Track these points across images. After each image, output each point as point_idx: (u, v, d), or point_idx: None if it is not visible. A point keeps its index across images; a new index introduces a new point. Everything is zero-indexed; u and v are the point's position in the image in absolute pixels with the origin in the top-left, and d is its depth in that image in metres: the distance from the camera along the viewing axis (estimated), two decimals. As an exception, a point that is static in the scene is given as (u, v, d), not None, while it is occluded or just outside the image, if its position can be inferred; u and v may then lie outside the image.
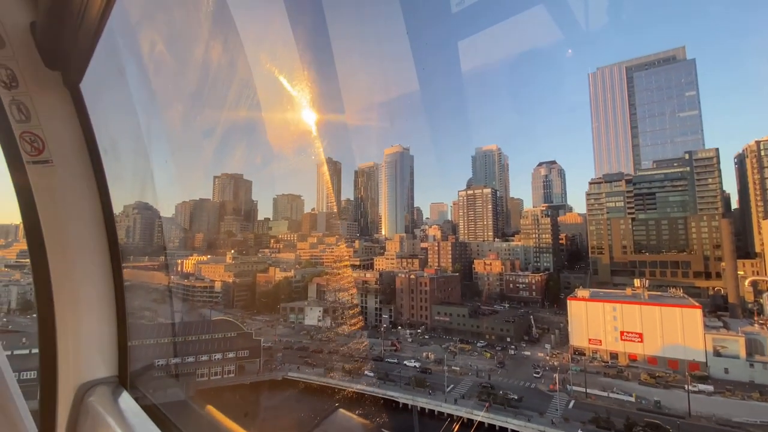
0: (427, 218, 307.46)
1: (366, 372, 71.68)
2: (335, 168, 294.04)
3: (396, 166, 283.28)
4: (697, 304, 76.18)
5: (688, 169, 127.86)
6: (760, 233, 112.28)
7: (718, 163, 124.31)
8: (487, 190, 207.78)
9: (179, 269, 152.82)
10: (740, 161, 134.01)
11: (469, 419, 56.36)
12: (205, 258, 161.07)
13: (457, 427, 55.47)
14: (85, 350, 2.99)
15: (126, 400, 2.87)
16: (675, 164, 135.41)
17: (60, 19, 2.27)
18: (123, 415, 2.61)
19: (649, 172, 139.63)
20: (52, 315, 2.80)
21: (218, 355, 70.02)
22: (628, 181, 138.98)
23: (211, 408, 3.11)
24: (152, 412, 2.80)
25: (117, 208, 3.22)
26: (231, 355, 70.54)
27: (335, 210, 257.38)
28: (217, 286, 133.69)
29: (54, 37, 2.39)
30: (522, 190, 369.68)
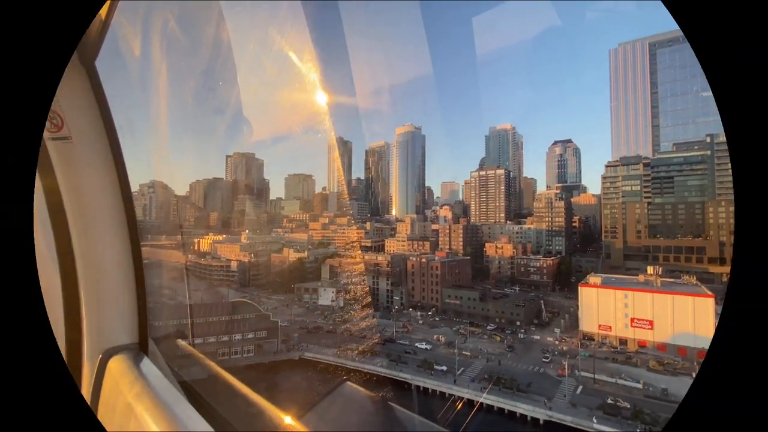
0: (438, 197, 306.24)
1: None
2: (346, 147, 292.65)
3: (407, 146, 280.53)
4: (710, 293, 75.97)
5: (708, 152, 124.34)
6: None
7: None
8: (500, 171, 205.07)
9: (196, 248, 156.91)
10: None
11: (479, 402, 58.59)
12: (220, 237, 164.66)
13: (460, 405, 57.79)
14: (108, 318, 3.16)
15: (148, 365, 3.01)
16: (696, 147, 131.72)
17: None
18: (146, 379, 2.74)
19: (668, 155, 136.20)
20: (75, 285, 2.97)
21: (238, 336, 73.15)
22: (645, 165, 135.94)
23: (233, 380, 3.14)
24: (172, 378, 3.02)
25: (133, 186, 3.43)
26: (250, 335, 73.62)
27: (346, 191, 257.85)
28: (233, 265, 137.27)
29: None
30: (536, 168, 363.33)
